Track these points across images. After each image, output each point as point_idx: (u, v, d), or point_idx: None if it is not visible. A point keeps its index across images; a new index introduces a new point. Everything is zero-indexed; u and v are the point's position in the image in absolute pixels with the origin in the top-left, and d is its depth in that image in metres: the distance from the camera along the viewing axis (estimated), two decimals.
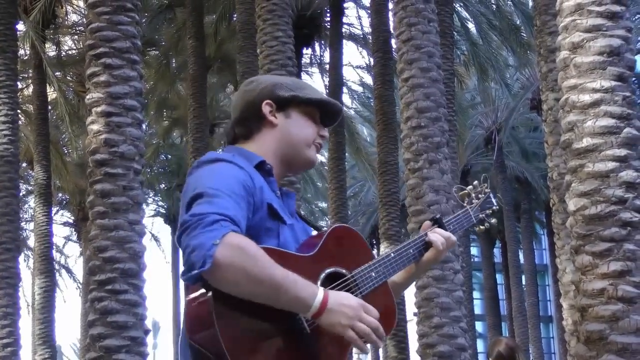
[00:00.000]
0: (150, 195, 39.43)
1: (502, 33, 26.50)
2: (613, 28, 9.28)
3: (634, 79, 9.83)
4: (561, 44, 9.62)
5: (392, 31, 18.47)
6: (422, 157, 13.82)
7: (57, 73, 24.48)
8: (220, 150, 3.09)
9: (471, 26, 27.65)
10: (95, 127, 11.31)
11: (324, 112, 3.06)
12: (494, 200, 3.61)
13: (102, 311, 10.88)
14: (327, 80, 27.71)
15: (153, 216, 41.80)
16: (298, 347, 2.62)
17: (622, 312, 8.66)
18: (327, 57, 27.94)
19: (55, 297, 23.47)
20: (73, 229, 36.96)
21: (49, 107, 24.65)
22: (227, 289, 2.48)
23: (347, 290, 2.74)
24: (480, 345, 38.82)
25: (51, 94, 24.60)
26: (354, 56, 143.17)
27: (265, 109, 2.97)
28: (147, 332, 11.29)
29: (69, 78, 27.23)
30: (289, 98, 2.98)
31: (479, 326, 47.56)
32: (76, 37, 27.38)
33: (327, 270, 2.76)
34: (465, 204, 3.53)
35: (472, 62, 27.48)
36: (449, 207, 13.76)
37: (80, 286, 32.76)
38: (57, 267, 34.40)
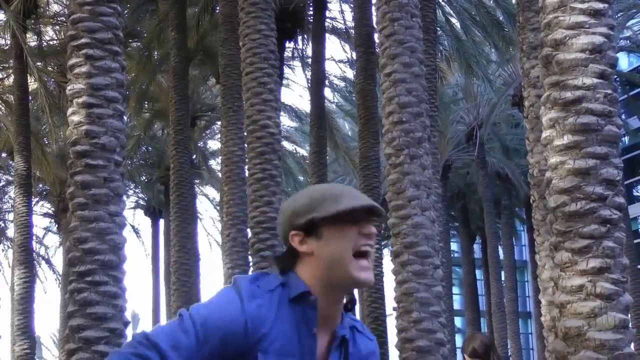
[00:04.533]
0: (131, 187, 39.35)
1: (484, 29, 26.57)
2: (596, 25, 9.30)
3: (615, 76, 9.86)
4: (543, 40, 9.64)
5: (375, 26, 18.46)
6: (404, 152, 13.83)
7: (38, 63, 24.39)
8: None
9: (455, 21, 27.69)
10: (76, 118, 11.25)
11: (358, 211, 2.74)
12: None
13: (81, 302, 10.84)
14: (309, 74, 27.70)
15: (134, 208, 41.76)
16: None
17: (600, 308, 8.69)
18: (309, 51, 27.97)
19: (34, 288, 23.41)
20: (53, 220, 36.86)
21: (30, 98, 24.56)
22: None
23: None
24: (459, 340, 38.84)
25: (32, 84, 24.51)
26: (336, 50, 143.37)
27: (294, 241, 2.74)
28: (126, 323, 11.25)
29: (50, 68, 27.13)
30: (307, 224, 2.73)
31: (458, 321, 47.73)
32: (57, 27, 27.31)
33: None
34: None
35: (455, 58, 27.55)
36: (429, 203, 13.78)
37: (60, 277, 32.67)
38: (36, 258, 34.27)
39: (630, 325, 9.10)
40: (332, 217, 2.69)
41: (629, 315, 9.24)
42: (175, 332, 2.57)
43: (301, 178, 39.61)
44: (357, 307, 24.69)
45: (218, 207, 39.68)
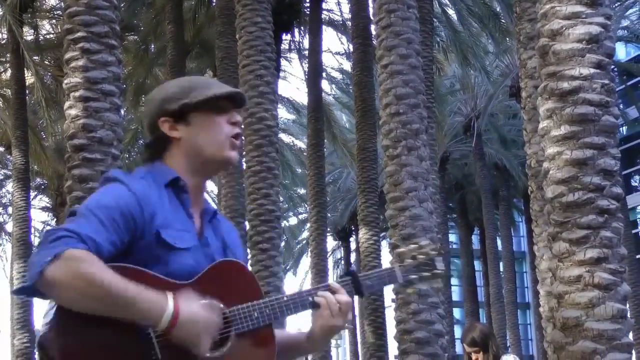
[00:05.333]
0: None
1: (481, 20, 26.52)
2: (592, 15, 9.28)
3: (613, 66, 9.85)
4: (540, 31, 9.63)
5: (371, 17, 18.45)
6: (401, 144, 13.83)
7: (35, 57, 24.34)
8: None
9: (451, 12, 27.66)
10: (73, 112, 11.24)
11: (225, 101, 2.95)
12: (437, 265, 3.27)
13: None
14: (306, 66, 27.68)
15: None
16: None
17: (598, 299, 8.70)
18: (306, 43, 27.95)
19: None
20: (51, 214, 36.82)
21: (27, 92, 24.52)
22: (65, 305, 2.50)
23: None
24: (457, 331, 38.89)
25: (29, 78, 24.45)
26: (333, 42, 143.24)
27: (164, 126, 2.89)
28: None
29: (46, 62, 27.09)
30: (178, 110, 2.87)
31: (457, 312, 47.81)
32: (54, 21, 27.23)
33: (201, 302, 2.67)
34: (398, 263, 3.25)
35: (452, 49, 27.52)
36: (427, 194, 13.78)
37: None
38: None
39: (628, 315, 9.11)
40: (202, 104, 2.86)
41: (627, 305, 9.24)
42: (94, 226, 2.59)
43: (299, 170, 39.60)
44: (356, 299, 24.68)
45: (215, 200, 39.68)
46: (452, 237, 48.39)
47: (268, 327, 2.83)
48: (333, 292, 2.94)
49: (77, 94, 11.25)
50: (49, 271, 2.43)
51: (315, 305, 2.92)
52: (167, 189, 2.83)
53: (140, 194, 2.72)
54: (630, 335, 9.20)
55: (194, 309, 2.56)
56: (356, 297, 2.99)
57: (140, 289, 2.49)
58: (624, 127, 43.65)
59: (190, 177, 2.89)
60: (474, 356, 7.32)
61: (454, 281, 44.30)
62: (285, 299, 2.88)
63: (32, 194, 30.46)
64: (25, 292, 2.54)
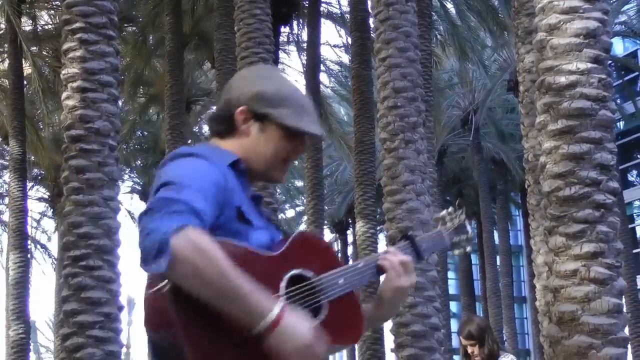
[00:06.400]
0: (127, 172, 39.28)
1: (479, 14, 26.52)
2: (590, 10, 9.29)
3: (610, 61, 9.85)
4: (538, 25, 9.63)
5: (370, 10, 18.44)
6: (399, 137, 13.83)
7: (33, 48, 24.32)
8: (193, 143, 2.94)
9: (450, 6, 27.65)
10: (70, 102, 11.25)
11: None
12: (468, 228, 3.46)
13: (76, 287, 10.85)
14: (304, 59, 27.66)
15: (129, 193, 41.71)
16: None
17: (594, 293, 8.71)
18: (304, 35, 27.87)
19: (29, 272, 23.39)
20: (48, 205, 36.81)
21: (25, 82, 24.50)
22: (173, 279, 2.38)
23: (312, 294, 2.67)
24: (454, 325, 38.96)
25: (27, 68, 24.44)
26: (331, 35, 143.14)
27: (240, 116, 2.83)
28: (120, 308, 11.27)
29: (44, 53, 27.04)
30: (260, 114, 2.83)
31: (453, 306, 47.83)
32: (52, 11, 27.18)
33: (293, 272, 2.65)
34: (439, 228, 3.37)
35: (450, 43, 27.50)
36: (424, 187, 13.79)
37: (55, 262, 32.66)
38: (31, 242, 34.24)
39: (624, 310, 9.13)
40: (285, 127, 2.81)
41: (623, 300, 9.26)
42: (201, 202, 2.52)
43: (296, 162, 39.56)
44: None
45: None
46: None
47: (352, 293, 2.81)
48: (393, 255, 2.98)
49: (74, 84, 11.26)
50: (173, 240, 2.33)
51: (380, 270, 2.94)
52: (229, 169, 2.77)
53: (220, 169, 2.69)
54: (626, 330, 9.21)
55: (300, 324, 2.46)
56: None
57: (253, 286, 2.40)
58: (620, 122, 43.62)
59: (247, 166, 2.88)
60: (469, 349, 7.33)
61: (450, 274, 44.29)
62: (360, 265, 2.88)
63: (29, 184, 30.41)
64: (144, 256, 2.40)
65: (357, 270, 2.85)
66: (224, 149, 2.83)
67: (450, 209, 3.44)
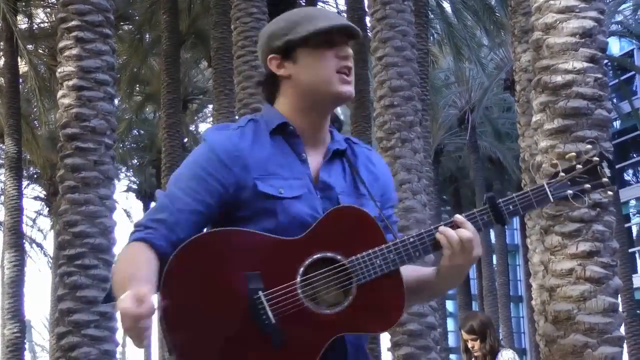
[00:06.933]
0: (123, 171, 39.25)
1: (476, 13, 26.51)
2: (586, 9, 9.29)
3: (606, 61, 9.86)
4: (534, 24, 9.63)
5: (366, 9, 18.43)
6: (395, 136, 13.83)
7: (29, 46, 24.28)
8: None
9: (446, 5, 27.65)
10: (66, 100, 11.24)
11: (333, 33, 2.76)
12: (604, 171, 3.05)
13: (71, 286, 10.85)
14: None
15: (125, 191, 41.67)
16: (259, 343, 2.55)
17: (589, 292, 8.71)
18: None
19: (24, 271, 23.36)
20: (44, 203, 36.77)
21: (20, 80, 24.48)
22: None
23: (337, 279, 2.59)
24: (450, 324, 39.03)
25: (22, 66, 24.41)
26: None
27: (272, 64, 2.79)
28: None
29: (40, 51, 27.01)
30: (284, 46, 2.76)
31: (450, 305, 47.80)
32: (48, 9, 27.16)
33: (316, 256, 2.57)
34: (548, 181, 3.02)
35: (446, 42, 27.50)
36: (420, 186, 13.78)
37: (51, 261, 32.64)
38: (27, 241, 34.23)
39: (620, 309, 9.13)
40: (306, 40, 2.73)
41: (619, 299, 9.26)
42: (169, 205, 2.68)
43: None
44: None
45: None
46: None
47: (395, 272, 2.64)
48: (457, 227, 2.70)
49: (70, 82, 11.25)
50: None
51: (436, 246, 2.69)
52: (276, 135, 2.74)
53: (220, 147, 2.67)
54: (622, 329, 9.22)
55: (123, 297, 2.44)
56: None
57: (132, 278, 2.49)
58: (617, 122, 43.64)
59: (304, 117, 2.78)
60: (470, 344, 7.35)
61: None
62: (411, 239, 2.67)
63: (25, 183, 30.40)
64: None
65: (405, 246, 2.65)
66: (273, 111, 2.81)
67: (588, 146, 3.09)
